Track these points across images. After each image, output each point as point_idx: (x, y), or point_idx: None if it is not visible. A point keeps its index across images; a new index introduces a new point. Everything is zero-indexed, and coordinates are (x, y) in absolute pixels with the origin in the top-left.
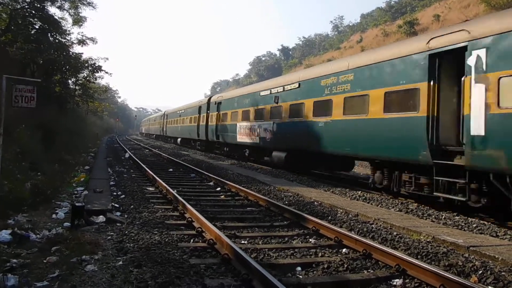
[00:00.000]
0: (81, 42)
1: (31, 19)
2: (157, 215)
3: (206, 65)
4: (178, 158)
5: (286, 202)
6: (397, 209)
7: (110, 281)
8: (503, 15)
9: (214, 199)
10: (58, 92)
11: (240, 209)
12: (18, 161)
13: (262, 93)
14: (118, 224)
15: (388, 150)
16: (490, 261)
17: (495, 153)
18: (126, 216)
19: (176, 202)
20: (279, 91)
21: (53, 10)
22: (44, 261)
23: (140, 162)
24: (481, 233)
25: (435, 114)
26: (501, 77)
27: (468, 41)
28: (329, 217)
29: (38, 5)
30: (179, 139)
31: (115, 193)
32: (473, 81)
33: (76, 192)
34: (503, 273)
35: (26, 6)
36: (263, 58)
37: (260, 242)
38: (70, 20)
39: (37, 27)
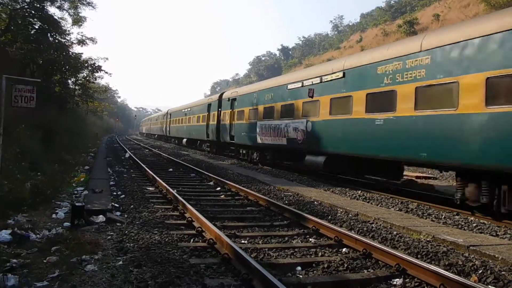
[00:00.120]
0: (81, 42)
1: (30, 19)
2: (157, 215)
3: (205, 65)
4: (178, 158)
5: (286, 202)
6: (397, 209)
7: (110, 281)
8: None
9: (214, 199)
10: (58, 92)
11: (240, 208)
12: (18, 161)
13: (291, 86)
14: (118, 224)
15: (497, 156)
16: (490, 261)
17: None
18: (126, 216)
19: (176, 201)
20: (314, 83)
21: (52, 10)
22: (44, 261)
23: (140, 162)
24: (481, 233)
25: None
26: None
27: None
28: (329, 217)
29: (38, 5)
30: (184, 140)
31: (115, 193)
32: None
33: (76, 192)
34: (503, 272)
35: (26, 6)
36: (263, 58)
37: (260, 242)
38: (69, 20)
39: (36, 27)
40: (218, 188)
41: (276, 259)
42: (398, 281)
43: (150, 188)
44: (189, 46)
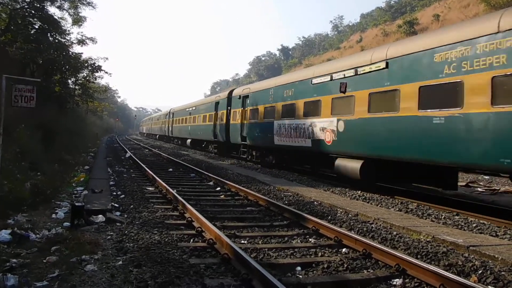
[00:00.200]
0: (81, 42)
1: (30, 19)
2: (157, 215)
3: (205, 65)
4: (178, 158)
5: (286, 202)
6: (397, 209)
7: (110, 281)
8: None
9: (214, 199)
10: (57, 92)
11: (240, 208)
12: (18, 161)
13: (317, 81)
14: (118, 224)
15: None
16: (490, 261)
17: None
18: (126, 216)
19: (176, 202)
20: (347, 75)
21: (52, 10)
22: (44, 261)
23: (140, 162)
24: (480, 233)
25: None
26: None
27: None
28: (329, 217)
29: (38, 5)
30: (188, 141)
31: (115, 193)
32: None
33: (76, 192)
34: (503, 272)
35: (26, 6)
36: (263, 58)
37: (260, 242)
38: (69, 20)
39: (36, 27)
40: (218, 188)
41: (276, 259)
42: (398, 281)
43: (150, 188)
44: (189, 46)
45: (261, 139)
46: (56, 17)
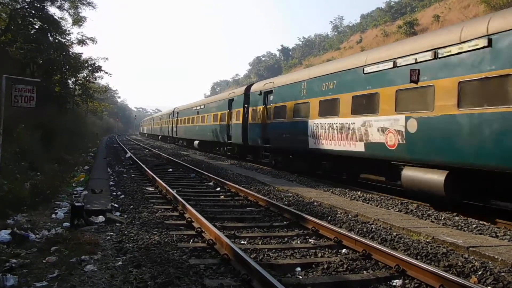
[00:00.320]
0: (81, 42)
1: (31, 19)
2: (156, 215)
3: (206, 66)
4: (178, 158)
5: (286, 203)
6: (397, 210)
7: (109, 281)
8: None
9: (213, 199)
10: (57, 92)
11: (240, 209)
12: (18, 161)
13: (371, 69)
14: (117, 224)
15: None
16: (490, 262)
17: None
18: (125, 216)
19: (176, 202)
20: (420, 60)
21: (53, 10)
22: (44, 261)
23: (139, 162)
24: (480, 234)
25: None
26: None
27: None
28: (329, 218)
29: (38, 5)
30: (196, 142)
31: (114, 193)
32: None
33: (75, 192)
34: (502, 273)
35: (26, 6)
36: (263, 59)
37: (260, 243)
38: (70, 20)
39: (37, 27)
40: (218, 189)
41: (275, 259)
42: (397, 282)
43: (150, 189)
44: (189, 46)
45: (289, 142)
46: (56, 17)
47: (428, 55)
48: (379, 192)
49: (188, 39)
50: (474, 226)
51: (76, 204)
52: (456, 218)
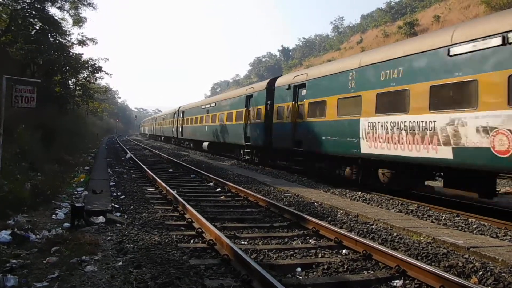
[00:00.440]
0: (81, 42)
1: (31, 20)
2: (157, 215)
3: (206, 66)
4: (178, 158)
5: (286, 203)
6: (397, 210)
7: (110, 281)
8: None
9: (214, 200)
10: (58, 93)
11: (240, 209)
12: (18, 161)
13: (463, 49)
14: (118, 224)
15: None
16: (490, 262)
17: None
18: (126, 216)
19: (176, 202)
20: None
21: (53, 10)
22: (44, 261)
23: (140, 163)
24: (481, 234)
25: None
26: None
27: None
28: (329, 218)
29: (39, 6)
30: (205, 144)
31: (115, 194)
32: None
33: (76, 192)
34: (503, 274)
35: (27, 7)
36: (263, 59)
37: (260, 243)
38: (70, 20)
39: (37, 27)
40: (218, 189)
41: (276, 260)
42: (398, 282)
43: (150, 189)
44: (190, 47)
45: (331, 145)
46: (57, 18)
47: None
48: (379, 193)
49: (189, 39)
50: (474, 226)
51: (77, 204)
52: (457, 218)
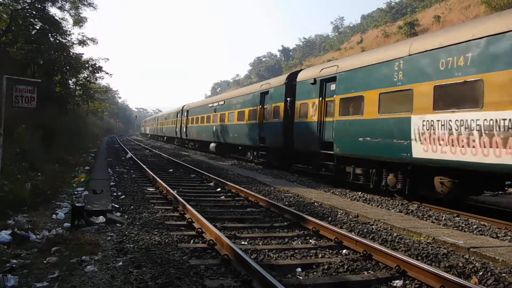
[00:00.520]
0: (82, 42)
1: (31, 20)
2: (157, 215)
3: (206, 66)
4: (179, 158)
5: (286, 203)
6: (397, 210)
7: (110, 281)
8: None
9: (214, 200)
10: (58, 93)
11: (240, 209)
12: (18, 161)
13: None
14: (118, 224)
15: None
16: (491, 262)
17: None
18: (126, 216)
19: (176, 202)
20: None
21: (53, 10)
22: (44, 261)
23: (140, 163)
24: (481, 234)
25: None
26: None
27: None
28: (330, 218)
29: (39, 6)
30: (212, 145)
31: (115, 194)
32: None
33: (76, 192)
34: (503, 274)
35: (27, 7)
36: (264, 59)
37: (260, 243)
38: (70, 20)
39: (37, 27)
40: (219, 189)
41: (276, 260)
42: (398, 282)
43: (150, 189)
44: (190, 47)
45: (371, 148)
46: (57, 18)
47: None
48: (379, 193)
49: (189, 39)
50: (474, 226)
51: (77, 204)
52: (457, 218)
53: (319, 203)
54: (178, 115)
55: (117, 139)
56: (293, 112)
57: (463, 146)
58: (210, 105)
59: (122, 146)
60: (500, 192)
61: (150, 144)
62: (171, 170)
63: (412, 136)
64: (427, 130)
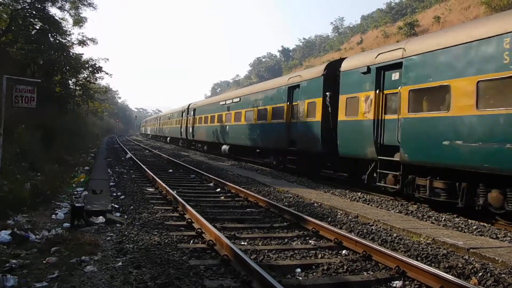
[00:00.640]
0: (82, 42)
1: (31, 20)
2: (156, 216)
3: (206, 66)
4: (178, 159)
5: (286, 203)
6: (397, 211)
7: (109, 282)
8: None
9: (214, 200)
10: (58, 93)
11: (240, 210)
12: (18, 161)
13: None
14: (117, 225)
15: None
16: (490, 263)
17: None
18: (125, 216)
19: (176, 203)
20: None
21: (53, 10)
22: (44, 261)
23: (140, 163)
24: (481, 235)
25: None
26: None
27: None
28: (329, 219)
29: (39, 6)
30: (225, 147)
31: (115, 194)
32: None
33: (76, 192)
34: (503, 275)
35: (27, 7)
36: (263, 59)
37: (260, 243)
38: (70, 20)
39: (37, 27)
40: (218, 190)
41: (275, 260)
42: (398, 283)
43: (150, 189)
44: (190, 47)
45: (467, 154)
46: (57, 18)
47: None
48: (379, 194)
49: (189, 39)
50: (474, 227)
51: (76, 204)
52: (457, 219)
53: (319, 203)
54: (183, 114)
55: (117, 139)
56: (335, 109)
57: None
58: (222, 103)
59: (122, 146)
60: None
61: (150, 145)
62: (170, 170)
63: None
64: None
